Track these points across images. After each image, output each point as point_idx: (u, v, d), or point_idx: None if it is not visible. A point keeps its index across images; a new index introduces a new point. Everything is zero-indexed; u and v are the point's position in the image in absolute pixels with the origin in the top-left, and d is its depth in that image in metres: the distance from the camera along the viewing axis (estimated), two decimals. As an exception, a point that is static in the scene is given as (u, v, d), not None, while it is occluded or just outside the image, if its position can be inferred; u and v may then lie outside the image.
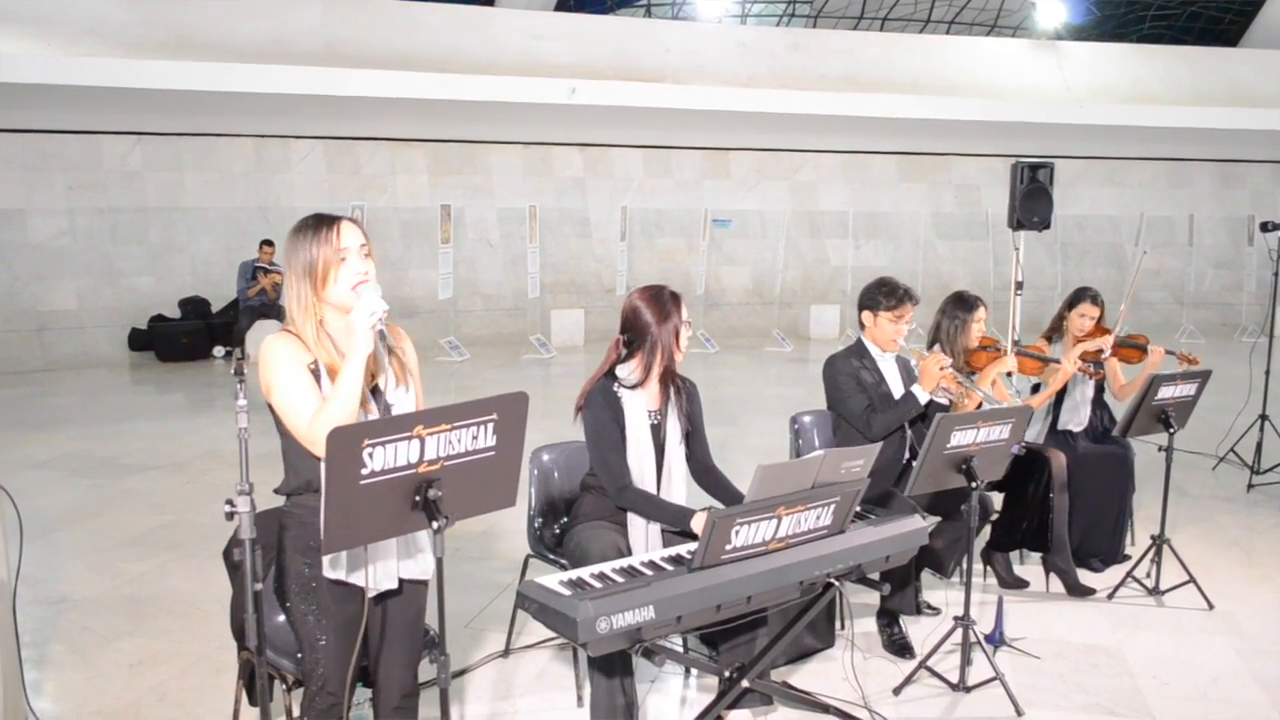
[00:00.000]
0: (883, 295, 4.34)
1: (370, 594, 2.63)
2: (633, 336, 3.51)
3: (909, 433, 4.37)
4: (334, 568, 2.58)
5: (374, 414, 2.61)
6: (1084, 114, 15.06)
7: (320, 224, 2.61)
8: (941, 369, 4.15)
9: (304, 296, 2.60)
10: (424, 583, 2.78)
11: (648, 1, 16.37)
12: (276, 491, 2.69)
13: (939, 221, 16.73)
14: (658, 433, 3.51)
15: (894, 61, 15.37)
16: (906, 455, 4.37)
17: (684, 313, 3.51)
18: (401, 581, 2.70)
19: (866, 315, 4.40)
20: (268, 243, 12.22)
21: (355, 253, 2.60)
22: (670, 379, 3.56)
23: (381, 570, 2.63)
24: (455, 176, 14.76)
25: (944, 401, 4.34)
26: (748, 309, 15.88)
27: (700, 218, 14.79)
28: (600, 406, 3.47)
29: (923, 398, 4.19)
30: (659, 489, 3.48)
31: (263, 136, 13.74)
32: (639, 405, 3.49)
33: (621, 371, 3.52)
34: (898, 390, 4.37)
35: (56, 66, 11.03)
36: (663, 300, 3.49)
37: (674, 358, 3.50)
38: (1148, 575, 4.82)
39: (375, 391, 2.65)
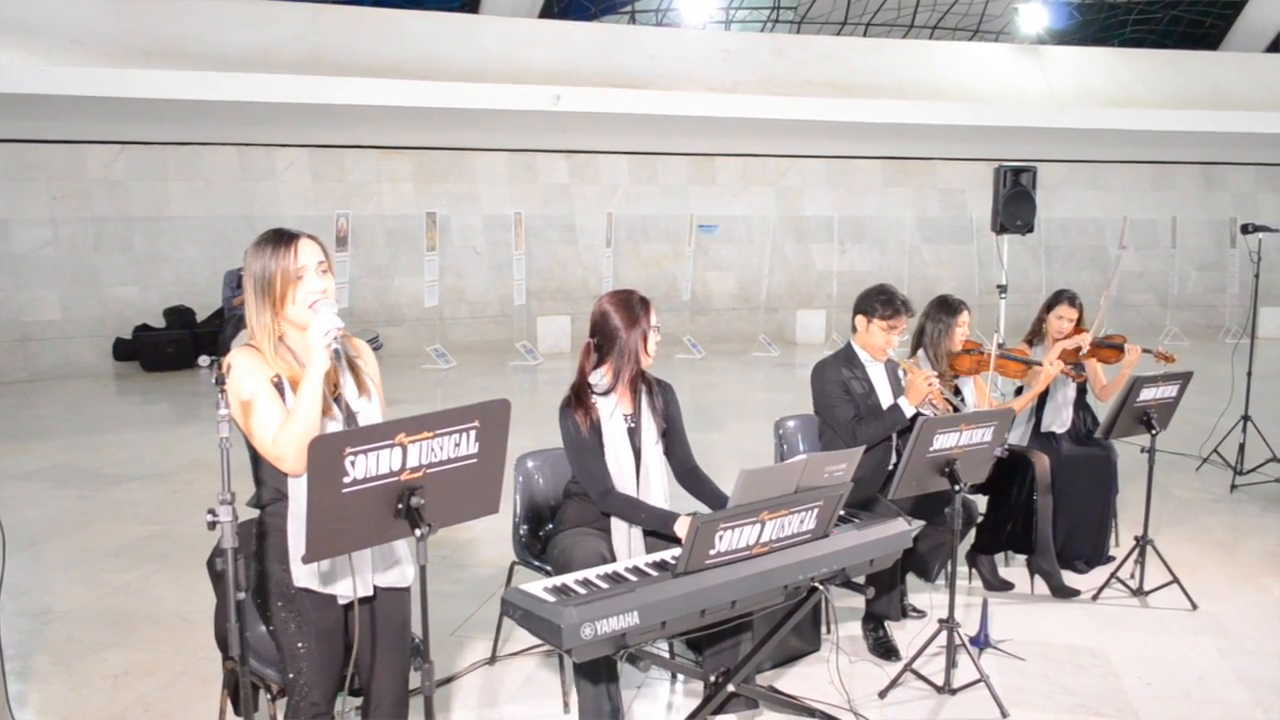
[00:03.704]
0: (879, 303, 4.33)
1: (343, 601, 2.63)
2: (601, 341, 3.51)
3: (895, 439, 4.38)
4: (306, 577, 2.58)
5: (338, 422, 2.61)
6: (1067, 118, 15.16)
7: (279, 241, 2.59)
8: (929, 385, 4.15)
9: (262, 313, 2.59)
10: (404, 590, 2.78)
11: (632, 8, 16.39)
12: (249, 504, 2.69)
13: (924, 226, 16.79)
14: (634, 436, 3.52)
15: (878, 67, 15.44)
16: (893, 460, 4.38)
17: (652, 317, 3.52)
18: (378, 589, 2.70)
19: (860, 320, 4.40)
20: (253, 252, 12.18)
21: (313, 270, 2.59)
22: (641, 382, 3.57)
23: (356, 578, 2.63)
24: (441, 184, 14.76)
25: (929, 414, 4.35)
26: (734, 314, 15.92)
27: (686, 224, 14.81)
28: (575, 414, 3.48)
29: (908, 411, 4.19)
30: (637, 492, 3.48)
31: (247, 145, 13.72)
32: (614, 410, 3.50)
33: (594, 377, 3.52)
34: (886, 398, 4.37)
35: (40, 76, 11.00)
36: (631, 305, 3.50)
37: (641, 361, 3.51)
38: (1132, 576, 4.84)
39: (339, 400, 2.65)
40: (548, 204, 15.32)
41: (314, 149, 14.09)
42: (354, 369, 2.70)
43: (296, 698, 2.66)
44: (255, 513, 2.74)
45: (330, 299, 2.57)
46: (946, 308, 4.79)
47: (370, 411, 2.69)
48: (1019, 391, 5.24)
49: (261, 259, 2.58)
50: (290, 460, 2.45)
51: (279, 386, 2.56)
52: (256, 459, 2.62)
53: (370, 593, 2.67)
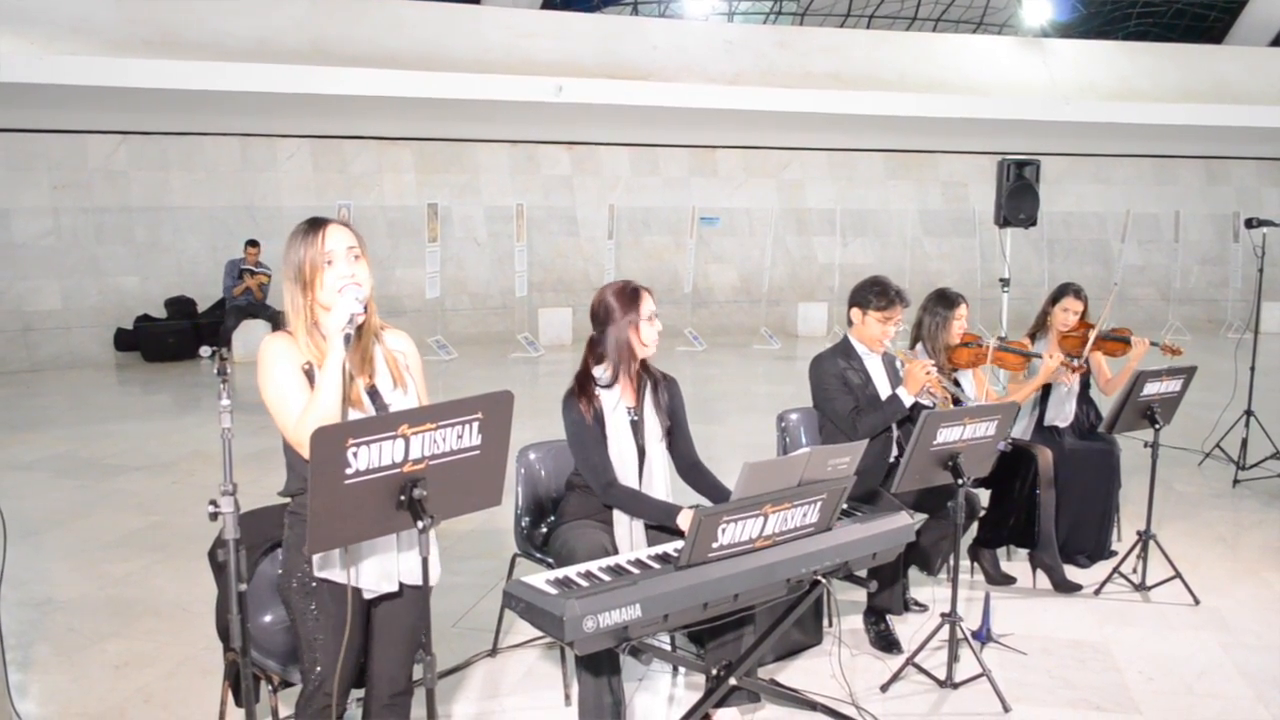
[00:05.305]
0: (874, 295, 4.33)
1: (368, 595, 2.62)
2: (599, 332, 3.51)
3: (896, 431, 4.37)
4: (323, 567, 2.57)
5: (369, 413, 2.60)
6: (1070, 111, 15.11)
7: (310, 228, 2.63)
8: (927, 373, 4.14)
9: (295, 299, 2.62)
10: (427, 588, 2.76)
11: (634, -1, 16.37)
12: (281, 493, 2.69)
13: (926, 219, 16.76)
14: (637, 429, 3.51)
15: (881, 59, 15.39)
16: (894, 453, 4.37)
17: (647, 306, 3.49)
18: (403, 586, 2.69)
19: (855, 312, 4.39)
20: (253, 243, 12.17)
21: (342, 256, 2.60)
22: (645, 375, 3.56)
23: (380, 573, 2.62)
24: (442, 175, 14.73)
25: (929, 404, 4.33)
26: (735, 307, 15.89)
27: (688, 216, 14.78)
28: (579, 406, 3.47)
29: (907, 400, 4.17)
30: (640, 485, 3.48)
31: (249, 135, 13.69)
32: (617, 403, 3.49)
33: (597, 370, 3.51)
34: (884, 390, 4.36)
35: (40, 65, 10.97)
36: (623, 295, 3.48)
37: (636, 351, 3.49)
38: (1134, 571, 4.84)
39: (374, 393, 2.65)
40: (549, 195, 15.30)
41: (315, 139, 14.06)
42: (390, 360, 2.69)
43: (311, 687, 2.66)
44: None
45: (359, 285, 2.56)
46: (944, 301, 4.78)
47: (405, 404, 2.68)
48: None
49: (294, 246, 2.62)
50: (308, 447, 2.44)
51: (309, 373, 2.56)
52: (288, 446, 2.62)
53: (395, 588, 2.66)
